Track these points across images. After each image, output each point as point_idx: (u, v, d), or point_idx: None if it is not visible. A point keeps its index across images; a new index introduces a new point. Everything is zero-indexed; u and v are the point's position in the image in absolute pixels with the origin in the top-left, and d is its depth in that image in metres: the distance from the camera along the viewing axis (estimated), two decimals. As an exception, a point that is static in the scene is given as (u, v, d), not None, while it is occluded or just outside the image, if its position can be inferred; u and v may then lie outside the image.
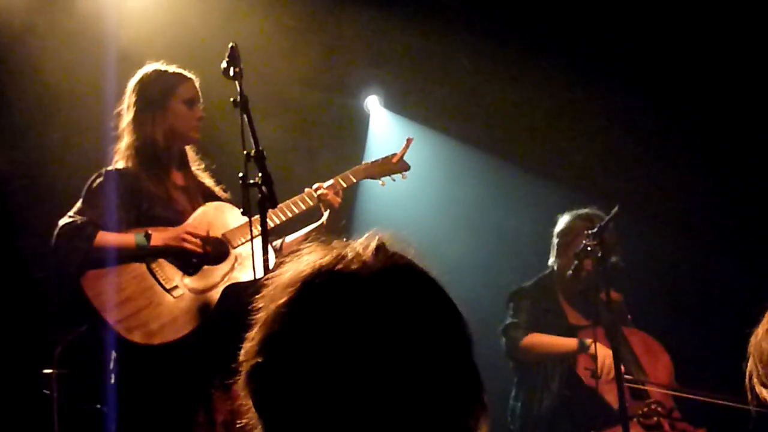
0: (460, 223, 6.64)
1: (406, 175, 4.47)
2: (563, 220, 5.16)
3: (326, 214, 4.20)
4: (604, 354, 4.70)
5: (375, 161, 4.45)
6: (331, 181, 4.23)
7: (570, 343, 4.91)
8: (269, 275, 1.31)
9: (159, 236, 3.91)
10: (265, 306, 1.27)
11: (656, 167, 6.48)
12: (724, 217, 6.35)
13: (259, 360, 1.23)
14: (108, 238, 3.88)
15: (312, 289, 1.23)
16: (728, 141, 6.30)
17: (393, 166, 4.44)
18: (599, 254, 4.56)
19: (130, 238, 3.88)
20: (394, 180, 4.44)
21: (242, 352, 1.27)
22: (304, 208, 4.16)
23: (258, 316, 1.27)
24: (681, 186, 6.41)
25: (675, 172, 6.41)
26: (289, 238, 4.22)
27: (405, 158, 4.47)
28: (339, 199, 4.18)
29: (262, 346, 1.24)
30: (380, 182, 4.44)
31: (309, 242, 3.82)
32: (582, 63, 6.42)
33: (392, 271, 1.25)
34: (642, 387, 4.86)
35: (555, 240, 5.19)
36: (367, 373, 1.17)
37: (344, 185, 4.26)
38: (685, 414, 4.93)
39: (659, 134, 6.45)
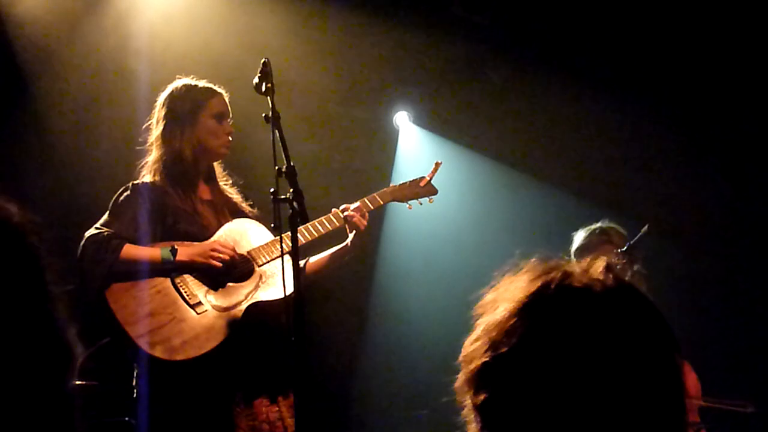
0: (488, 238, 6.61)
1: (433, 199, 4.46)
2: (579, 237, 5.10)
3: (351, 235, 4.17)
4: None
5: (403, 184, 4.44)
6: (357, 203, 4.21)
7: None
8: (495, 286, 1.41)
9: (185, 251, 3.90)
10: (486, 313, 1.37)
11: (690, 187, 6.46)
12: (743, 227, 6.32)
13: (487, 359, 1.32)
14: (134, 251, 3.87)
15: (547, 298, 1.33)
16: (749, 152, 6.27)
17: (421, 189, 4.43)
18: (628, 273, 4.52)
19: (156, 252, 3.88)
20: (421, 204, 4.44)
21: (463, 353, 1.37)
22: (330, 228, 4.13)
23: (479, 321, 1.37)
24: (708, 200, 6.38)
25: (704, 187, 6.39)
26: (312, 259, 4.20)
27: (433, 182, 4.46)
28: (365, 222, 4.15)
29: (489, 348, 1.32)
30: (407, 205, 4.43)
31: (338, 263, 3.77)
32: (612, 79, 6.41)
33: (622, 289, 1.35)
34: None
35: (573, 259, 5.13)
36: (595, 384, 1.25)
37: (371, 207, 4.25)
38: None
39: (692, 153, 6.44)
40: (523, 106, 6.78)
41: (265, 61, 3.62)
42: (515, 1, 6.45)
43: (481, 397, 1.31)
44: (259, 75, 3.62)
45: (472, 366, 1.33)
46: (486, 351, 1.32)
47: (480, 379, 1.32)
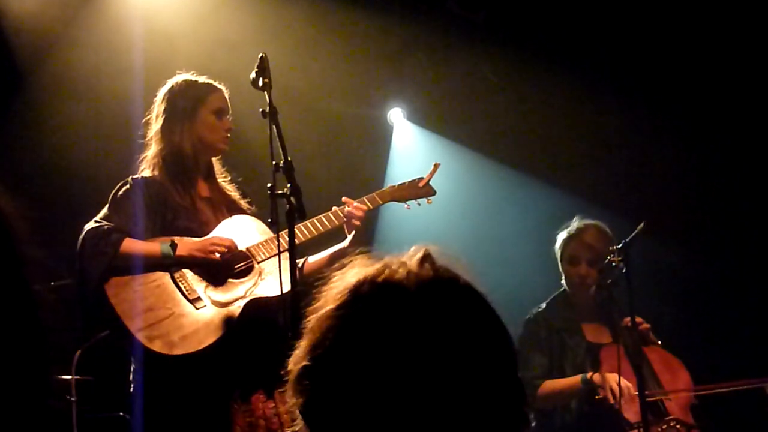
0: (483, 235, 6.63)
1: (432, 200, 4.47)
2: (559, 238, 5.12)
3: (351, 235, 4.17)
4: (610, 379, 4.65)
5: (402, 184, 4.44)
6: (356, 203, 4.22)
7: (574, 382, 4.85)
8: (321, 288, 1.36)
9: (184, 246, 3.90)
10: (314, 315, 1.32)
11: (690, 185, 6.48)
12: (741, 227, 6.35)
13: (307, 363, 1.28)
14: (134, 245, 3.88)
15: (359, 297, 1.29)
16: (748, 152, 6.30)
17: (419, 190, 4.43)
18: (623, 270, 4.54)
19: (156, 247, 3.88)
20: (419, 204, 4.45)
21: (291, 359, 1.32)
22: (329, 226, 4.14)
23: (307, 325, 1.33)
24: (706, 199, 6.41)
25: (704, 186, 6.42)
26: (311, 259, 4.20)
27: (431, 183, 4.48)
28: (361, 223, 4.15)
29: (309, 350, 1.29)
30: (405, 206, 4.44)
31: (336, 262, 3.78)
32: (609, 77, 6.43)
33: (438, 282, 1.29)
34: (662, 397, 4.81)
35: (558, 258, 5.14)
36: (412, 382, 1.21)
37: (370, 207, 4.26)
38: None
39: (691, 152, 6.46)
40: (518, 103, 6.79)
41: (262, 56, 3.62)
42: (510, -1, 6.47)
43: (302, 400, 1.29)
44: (256, 70, 3.62)
45: (294, 371, 1.30)
46: (305, 354, 1.29)
47: (300, 382, 1.29)
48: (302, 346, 1.31)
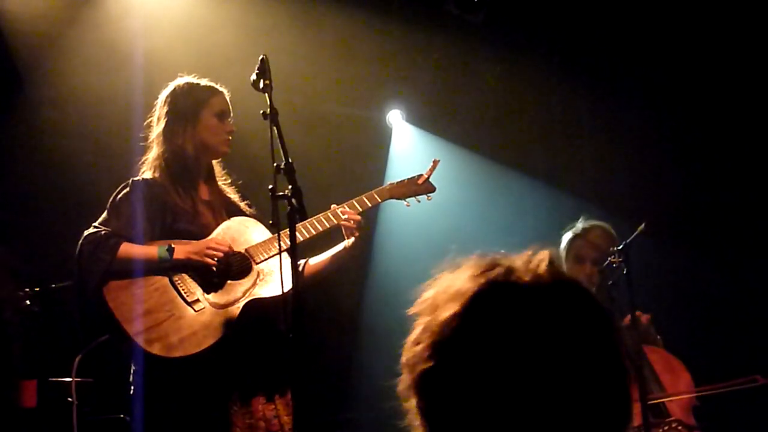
0: (482, 237, 6.63)
1: (432, 196, 4.44)
2: (564, 238, 5.14)
3: (351, 239, 4.15)
4: None
5: (401, 181, 4.41)
6: (354, 202, 4.21)
7: None
8: (425, 283, 1.38)
9: (182, 249, 3.91)
10: (427, 313, 1.32)
11: (689, 185, 6.49)
12: (743, 227, 6.35)
13: (431, 365, 1.27)
14: (131, 250, 3.88)
15: (486, 298, 1.28)
16: (752, 153, 6.31)
17: (419, 187, 4.41)
18: (624, 270, 4.55)
19: (154, 251, 3.89)
20: (419, 201, 4.42)
21: (405, 355, 1.33)
22: (328, 226, 4.12)
23: (419, 322, 1.33)
24: (708, 200, 6.42)
25: (704, 187, 6.42)
26: (312, 261, 4.19)
27: (429, 179, 4.45)
28: (359, 228, 4.14)
29: (433, 352, 1.28)
30: (405, 203, 4.41)
31: (337, 264, 3.72)
32: (608, 77, 6.44)
33: (564, 286, 1.30)
34: (663, 399, 4.82)
35: (563, 258, 5.16)
36: (538, 383, 1.22)
37: (369, 205, 4.25)
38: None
39: (691, 151, 6.46)
40: (517, 104, 6.80)
41: (263, 58, 3.61)
42: (509, 1, 6.46)
43: (427, 402, 1.28)
44: (257, 72, 3.60)
45: (417, 370, 1.29)
46: (429, 355, 1.28)
47: (424, 384, 1.28)
48: (420, 346, 1.30)
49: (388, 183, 4.43)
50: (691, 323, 6.15)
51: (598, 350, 1.26)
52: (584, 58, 6.47)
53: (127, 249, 3.87)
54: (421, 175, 4.43)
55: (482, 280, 1.30)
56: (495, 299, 1.28)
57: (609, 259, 4.60)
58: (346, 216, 4.12)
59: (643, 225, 4.59)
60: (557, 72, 6.53)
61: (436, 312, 1.30)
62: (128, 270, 3.85)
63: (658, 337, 5.12)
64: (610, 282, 4.70)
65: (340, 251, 4.18)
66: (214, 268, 3.93)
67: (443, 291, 1.32)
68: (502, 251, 1.37)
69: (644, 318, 4.88)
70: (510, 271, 1.30)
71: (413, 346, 1.31)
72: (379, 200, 4.31)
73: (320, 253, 4.23)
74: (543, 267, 1.31)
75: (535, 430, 1.22)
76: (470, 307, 1.28)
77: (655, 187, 6.57)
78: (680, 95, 6.38)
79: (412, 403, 1.30)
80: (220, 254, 3.94)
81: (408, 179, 4.43)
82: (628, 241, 4.61)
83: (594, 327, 1.28)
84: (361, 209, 4.20)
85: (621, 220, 5.17)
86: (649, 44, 6.29)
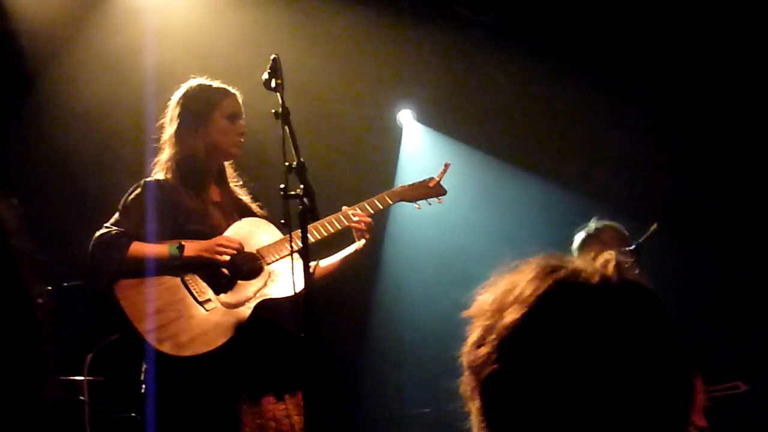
0: (493, 237, 6.62)
1: (442, 199, 4.45)
2: (577, 238, 5.13)
3: (361, 241, 4.15)
4: None
5: (413, 184, 4.41)
6: (365, 204, 4.22)
7: None
8: (485, 285, 1.35)
9: (192, 247, 3.92)
10: (490, 315, 1.30)
11: (697, 185, 6.48)
12: (755, 229, 6.34)
13: (496, 367, 1.26)
14: (142, 248, 3.90)
15: (555, 298, 1.27)
16: (762, 153, 6.30)
17: (429, 190, 4.41)
18: (636, 271, 4.53)
19: (164, 249, 3.90)
20: (429, 204, 4.43)
21: (469, 358, 1.31)
22: (339, 227, 4.12)
23: (478, 323, 1.31)
24: (721, 201, 6.41)
25: (709, 185, 6.41)
26: (323, 262, 4.19)
27: (441, 182, 4.46)
28: (368, 229, 4.13)
29: (500, 354, 1.26)
30: (416, 205, 4.42)
31: (348, 266, 3.71)
32: (618, 79, 6.42)
33: (632, 287, 1.30)
34: None
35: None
36: (607, 386, 1.21)
37: (381, 207, 4.25)
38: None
39: (699, 150, 6.45)
40: (528, 105, 6.79)
41: (275, 58, 3.61)
42: (519, 1, 6.46)
43: (492, 404, 1.27)
44: (269, 71, 3.60)
45: (482, 373, 1.27)
46: (496, 358, 1.26)
47: (490, 386, 1.27)
48: (486, 348, 1.28)
49: (399, 185, 4.44)
50: (703, 323, 6.13)
51: (664, 353, 1.27)
52: (596, 59, 6.45)
53: (138, 248, 3.89)
54: (433, 178, 4.43)
55: (550, 281, 1.28)
56: (564, 300, 1.27)
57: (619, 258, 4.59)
58: (357, 218, 4.12)
59: (655, 225, 4.57)
60: (569, 72, 6.51)
61: (502, 314, 1.28)
62: (139, 268, 3.87)
63: None
64: None
65: (351, 253, 4.17)
66: (225, 266, 3.94)
67: (507, 292, 1.30)
68: (530, 251, 1.36)
69: None
70: (577, 272, 1.29)
71: (475, 349, 1.29)
72: (390, 203, 4.32)
73: (330, 254, 4.23)
74: (611, 268, 1.31)
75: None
76: (538, 308, 1.26)
77: (669, 188, 6.56)
78: (693, 97, 6.36)
79: (475, 405, 1.29)
80: (232, 251, 3.94)
81: (419, 182, 4.43)
82: (640, 241, 4.60)
83: (661, 329, 1.28)
84: (372, 211, 4.21)
85: (633, 220, 5.15)
86: (663, 44, 6.28)
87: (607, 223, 5.05)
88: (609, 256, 1.33)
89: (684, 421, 1.27)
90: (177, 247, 3.89)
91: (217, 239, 3.97)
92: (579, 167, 6.77)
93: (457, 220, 6.62)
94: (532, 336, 1.25)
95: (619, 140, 6.68)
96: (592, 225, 5.06)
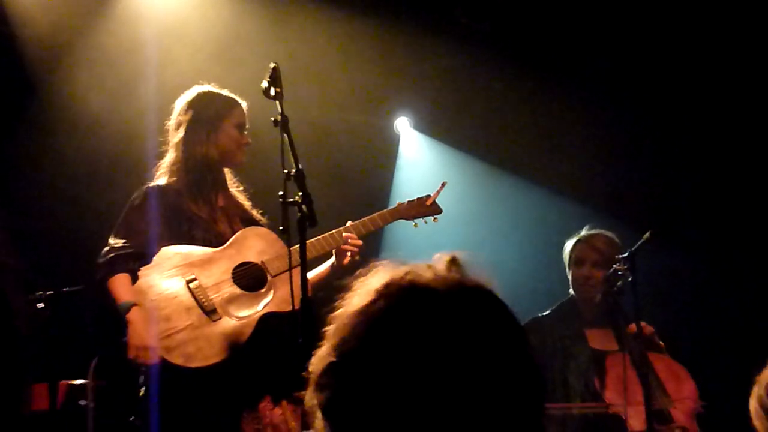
0: (490, 245, 6.63)
1: (438, 218, 4.55)
2: (566, 246, 5.16)
3: (337, 261, 4.22)
4: None
5: (410, 202, 4.50)
6: (366, 221, 4.31)
7: None
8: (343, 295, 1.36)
9: (135, 320, 3.89)
10: (339, 316, 1.32)
11: (691, 190, 6.51)
12: (748, 236, 6.37)
13: (332, 360, 1.28)
14: (113, 287, 3.96)
15: (387, 297, 1.28)
16: (758, 159, 6.33)
17: (426, 208, 4.51)
18: (630, 279, 4.57)
19: (123, 297, 3.93)
20: (426, 222, 4.52)
21: (313, 359, 1.31)
22: (335, 245, 4.22)
23: (331, 326, 1.32)
24: (714, 208, 6.43)
25: (710, 195, 6.45)
26: (310, 274, 4.17)
27: (437, 200, 4.54)
28: (358, 251, 4.21)
29: (335, 348, 1.29)
30: (413, 224, 4.52)
31: (324, 283, 3.70)
32: (614, 86, 6.45)
33: (464, 286, 1.29)
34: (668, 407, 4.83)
35: (566, 265, 5.18)
36: (435, 382, 1.21)
37: (381, 224, 4.37)
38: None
39: (694, 156, 6.48)
40: (524, 113, 6.81)
41: (274, 66, 3.64)
42: (517, 9, 6.48)
43: (324, 397, 1.28)
44: (269, 80, 3.63)
45: (317, 367, 1.29)
46: (331, 352, 1.28)
47: (323, 379, 1.28)
48: (326, 346, 1.30)
49: (398, 202, 4.51)
50: (696, 331, 6.17)
51: (495, 352, 1.25)
52: (592, 66, 6.48)
53: (112, 285, 3.96)
54: (429, 196, 4.52)
55: (383, 282, 1.30)
56: (394, 298, 1.28)
57: (614, 266, 4.63)
58: (350, 241, 4.19)
59: (648, 233, 4.61)
60: (566, 79, 6.54)
61: (342, 315, 1.31)
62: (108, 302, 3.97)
63: (662, 344, 5.14)
64: (615, 289, 4.72)
65: (328, 271, 4.25)
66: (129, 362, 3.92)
67: (351, 298, 1.32)
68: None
69: (647, 330, 4.89)
70: (411, 273, 1.30)
71: (319, 351, 1.31)
72: (390, 220, 4.44)
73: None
74: (442, 267, 1.31)
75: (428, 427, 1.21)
76: (370, 306, 1.28)
77: (664, 195, 6.59)
78: (689, 105, 6.39)
79: (315, 405, 1.30)
80: (147, 361, 3.88)
81: (417, 200, 4.51)
82: (633, 249, 4.63)
83: (493, 328, 1.27)
84: (373, 229, 4.33)
85: (630, 228, 5.18)
86: (659, 52, 6.30)
87: (599, 231, 5.09)
88: (446, 256, 1.33)
89: (536, 421, 1.26)
90: (126, 307, 3.90)
91: (147, 338, 3.87)
92: (577, 174, 6.79)
93: (454, 228, 6.64)
94: (364, 333, 1.26)
95: (619, 148, 6.70)
96: (583, 231, 5.10)
